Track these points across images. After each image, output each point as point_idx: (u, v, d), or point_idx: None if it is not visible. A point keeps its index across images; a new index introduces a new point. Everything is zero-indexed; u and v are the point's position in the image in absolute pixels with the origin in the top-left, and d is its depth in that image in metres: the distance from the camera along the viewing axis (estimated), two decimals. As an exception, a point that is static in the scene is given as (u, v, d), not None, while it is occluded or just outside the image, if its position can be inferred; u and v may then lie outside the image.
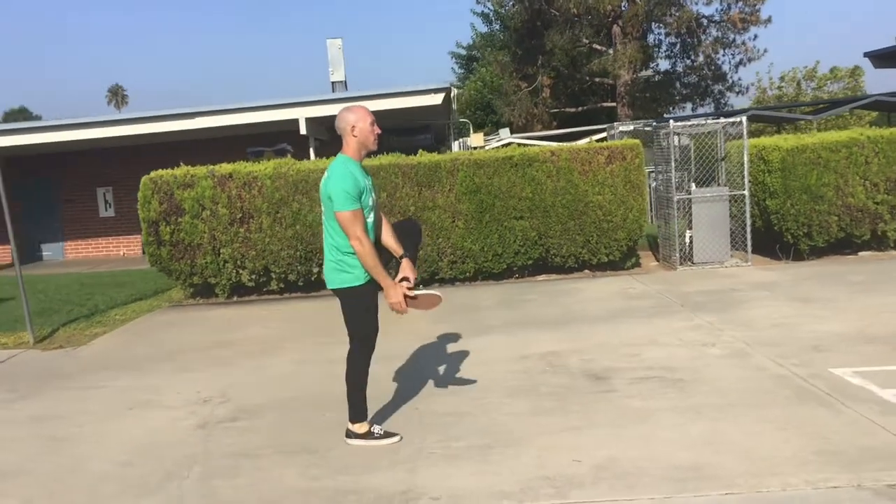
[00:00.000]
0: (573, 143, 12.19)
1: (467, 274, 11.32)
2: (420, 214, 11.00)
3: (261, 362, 7.46)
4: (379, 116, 17.04)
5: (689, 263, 11.67)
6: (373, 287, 4.76)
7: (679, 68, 31.21)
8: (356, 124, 4.73)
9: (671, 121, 11.89)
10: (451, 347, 7.47)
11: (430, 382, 6.24)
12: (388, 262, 4.91)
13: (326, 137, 22.68)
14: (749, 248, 11.60)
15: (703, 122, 11.81)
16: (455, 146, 21.71)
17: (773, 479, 4.09)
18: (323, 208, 4.75)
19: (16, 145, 19.76)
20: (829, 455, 4.36)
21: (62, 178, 21.44)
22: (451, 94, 22.06)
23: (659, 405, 5.40)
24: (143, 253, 13.46)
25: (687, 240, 11.81)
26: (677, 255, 11.67)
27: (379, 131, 4.83)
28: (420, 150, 11.51)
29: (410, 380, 6.35)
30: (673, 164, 11.66)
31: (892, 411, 4.98)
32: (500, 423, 5.19)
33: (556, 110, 31.43)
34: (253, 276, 11.15)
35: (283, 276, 11.20)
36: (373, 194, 4.80)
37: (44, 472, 4.89)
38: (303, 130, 19.76)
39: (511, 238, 11.13)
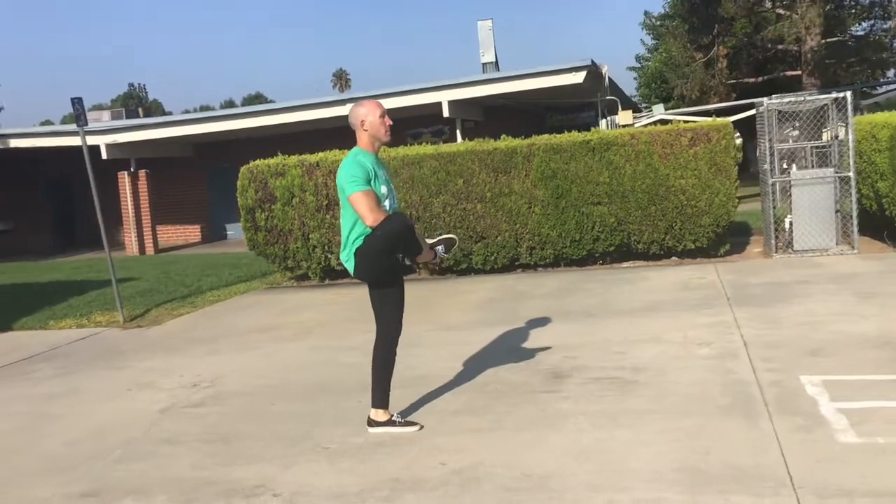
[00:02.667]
0: (695, 121, 11.64)
1: (547, 260, 11.24)
2: (496, 200, 11.05)
3: (280, 347, 7.88)
4: (526, 96, 17.13)
5: (790, 251, 10.96)
6: (399, 278, 5.00)
7: (877, 32, 28.69)
8: (366, 118, 4.88)
9: (765, 98, 11.16)
10: (452, 339, 7.56)
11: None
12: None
13: (480, 118, 22.97)
14: (855, 235, 10.73)
15: (802, 98, 10.99)
16: (602, 124, 21.25)
17: (604, 495, 3.96)
18: (340, 202, 4.95)
19: (202, 132, 21.50)
20: (688, 472, 4.15)
21: (239, 164, 23.12)
22: (603, 71, 21.60)
23: (585, 409, 5.29)
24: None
25: (787, 225, 11.09)
26: (773, 241, 10.99)
27: (390, 123, 4.96)
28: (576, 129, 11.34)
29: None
30: (768, 143, 10.96)
31: (814, 425, 4.62)
32: (417, 420, 5.26)
33: (733, 81, 29.86)
34: (340, 261, 11.63)
35: (369, 261, 11.60)
36: (388, 186, 4.94)
37: (3, 447, 5.52)
38: (446, 113, 20.13)
39: (588, 224, 10.93)
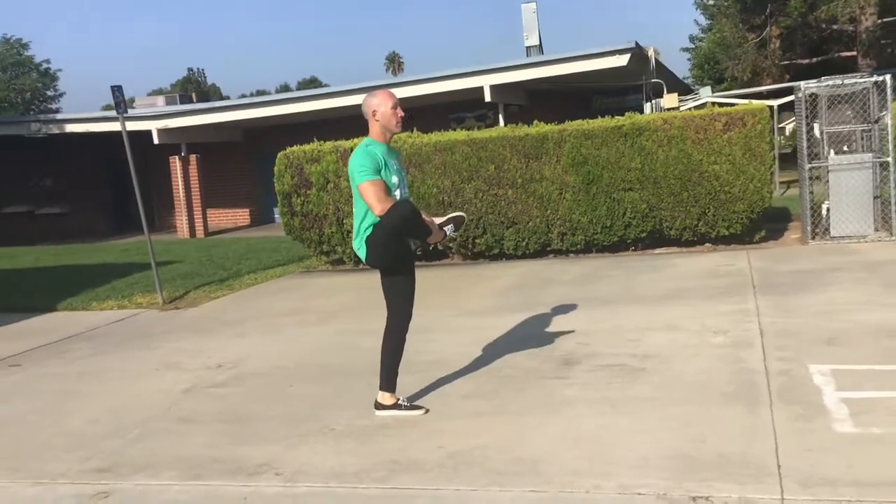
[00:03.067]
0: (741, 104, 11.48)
1: (578, 246, 11.26)
2: (527, 186, 11.09)
3: (304, 330, 8.06)
4: (570, 80, 17.01)
5: (827, 237, 10.83)
6: (409, 264, 5.11)
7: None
8: (377, 108, 4.95)
9: (801, 82, 10.98)
10: (471, 324, 7.65)
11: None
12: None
13: (525, 102, 22.91)
14: (894, 221, 10.55)
15: (841, 81, 10.80)
16: (647, 108, 21.06)
17: (590, 481, 4.04)
18: (352, 191, 5.06)
19: (249, 118, 21.84)
20: (681, 459, 4.20)
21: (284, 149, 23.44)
22: (649, 54, 21.39)
23: (589, 396, 5.35)
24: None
25: (824, 212, 10.94)
26: (809, 228, 10.86)
27: (402, 114, 5.04)
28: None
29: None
30: (804, 128, 10.81)
31: (814, 415, 4.63)
32: (424, 404, 5.37)
33: (786, 62, 29.28)
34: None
35: (403, 246, 11.73)
36: (399, 176, 5.03)
37: (30, 422, 5.79)
38: (487, 98, 20.14)
39: (619, 210, 10.92)
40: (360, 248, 5.07)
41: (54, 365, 7.49)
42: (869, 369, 5.40)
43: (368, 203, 4.83)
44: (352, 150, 11.05)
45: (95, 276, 12.31)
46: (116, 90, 9.98)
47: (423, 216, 5.03)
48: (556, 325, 7.30)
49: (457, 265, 11.48)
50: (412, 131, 12.03)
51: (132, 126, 23.20)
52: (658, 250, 11.18)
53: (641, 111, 20.87)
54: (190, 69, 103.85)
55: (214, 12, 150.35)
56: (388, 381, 5.20)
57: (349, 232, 11.78)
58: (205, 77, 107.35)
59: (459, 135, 11.53)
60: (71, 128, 23.73)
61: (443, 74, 20.25)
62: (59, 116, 24.81)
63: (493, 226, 11.29)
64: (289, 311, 9.06)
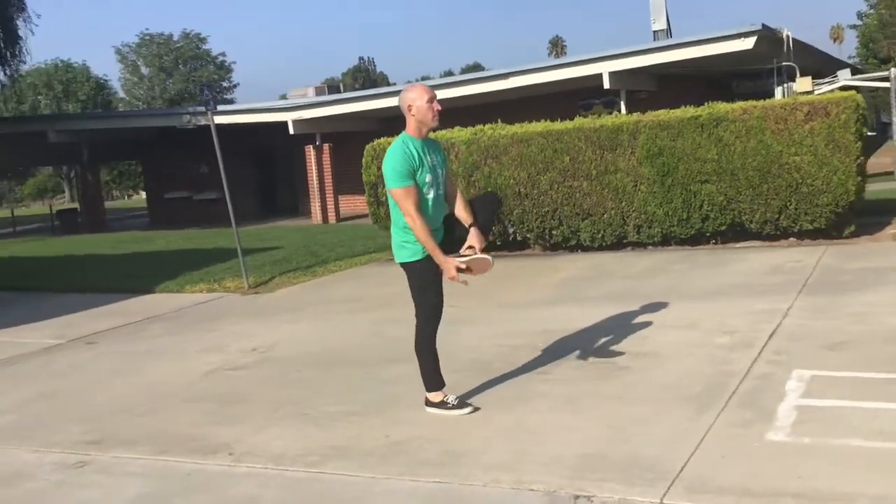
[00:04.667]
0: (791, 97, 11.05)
1: (655, 239, 11.12)
2: (602, 178, 11.04)
3: (350, 318, 8.47)
4: (700, 64, 16.60)
5: (924, 232, 10.21)
6: (432, 262, 5.03)
7: None
8: (413, 103, 4.88)
9: (894, 68, 10.33)
10: (504, 316, 7.81)
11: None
12: (457, 232, 5.16)
13: (653, 88, 22.50)
14: None
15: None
16: (778, 92, 20.20)
17: (490, 475, 4.19)
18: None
19: (377, 108, 22.55)
20: (594, 458, 4.28)
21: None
22: (782, 36, 20.51)
23: (557, 391, 5.45)
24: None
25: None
26: (901, 222, 10.27)
27: (439, 108, 4.97)
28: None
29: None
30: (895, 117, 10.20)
31: (757, 421, 4.57)
32: (393, 395, 5.64)
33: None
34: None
35: (483, 236, 11.94)
36: (436, 171, 4.98)
37: (69, 396, 6.46)
38: (606, 85, 19.94)
39: (696, 203, 10.69)
40: (397, 246, 5.11)
41: (123, 344, 8.23)
42: (852, 376, 5.21)
43: (402, 210, 4.86)
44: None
45: (201, 260, 13.22)
46: (207, 89, 10.68)
47: (436, 253, 4.91)
48: (581, 320, 7.33)
49: (532, 256, 11.59)
50: (496, 122, 12.19)
51: (271, 117, 24.56)
52: (739, 244, 10.86)
53: (773, 95, 20.09)
54: (361, 58, 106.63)
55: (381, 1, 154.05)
56: (429, 380, 5.17)
57: (431, 222, 12.11)
58: (374, 65, 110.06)
59: (536, 126, 11.60)
60: (217, 119, 25.16)
61: (559, 62, 20.24)
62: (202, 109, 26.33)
63: (568, 217, 11.31)
64: (347, 299, 9.49)
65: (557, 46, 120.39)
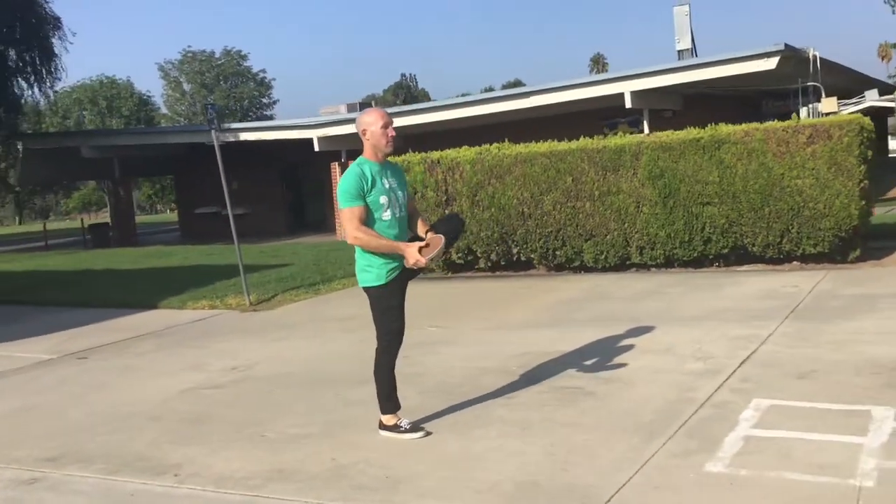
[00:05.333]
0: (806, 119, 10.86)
1: (658, 260, 11.02)
2: (604, 199, 10.99)
3: (338, 336, 8.51)
4: (725, 83, 16.49)
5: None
6: (395, 288, 5.05)
7: None
8: (367, 128, 4.96)
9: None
10: (488, 339, 7.79)
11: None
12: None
13: (678, 107, 22.35)
14: None
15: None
16: (803, 112, 19.95)
17: (420, 501, 4.18)
18: None
19: (410, 125, 22.61)
20: (523, 486, 4.25)
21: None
22: (809, 55, 20.27)
23: (513, 417, 5.43)
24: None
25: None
26: (907, 247, 10.07)
27: (392, 134, 5.05)
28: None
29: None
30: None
31: (700, 451, 4.50)
32: (353, 417, 5.63)
33: None
34: (460, 255, 12.09)
35: (487, 255, 11.95)
36: (394, 193, 5.11)
37: (45, 412, 6.57)
38: (628, 104, 19.86)
39: (698, 225, 10.59)
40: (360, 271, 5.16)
41: (111, 360, 8.34)
42: (811, 407, 5.13)
43: (345, 229, 4.96)
44: (438, 161, 11.49)
45: (211, 276, 13.36)
46: (211, 107, 10.87)
47: (391, 242, 4.95)
48: (562, 343, 7.29)
49: (534, 276, 11.55)
50: (504, 141, 12.18)
51: (296, 134, 24.82)
52: (742, 267, 10.73)
53: (797, 116, 19.83)
54: (403, 75, 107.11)
55: (427, 17, 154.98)
56: (384, 404, 5.17)
57: (435, 241, 12.11)
58: (416, 82, 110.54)
59: (540, 146, 11.58)
60: (244, 136, 25.58)
61: (579, 82, 20.16)
62: (234, 125, 26.79)
63: (571, 238, 11.26)
64: (341, 318, 9.52)
65: (599, 63, 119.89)
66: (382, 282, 5.06)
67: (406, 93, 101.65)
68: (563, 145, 11.42)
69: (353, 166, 5.01)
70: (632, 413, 5.27)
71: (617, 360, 6.59)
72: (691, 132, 10.77)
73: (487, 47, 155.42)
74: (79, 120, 69.63)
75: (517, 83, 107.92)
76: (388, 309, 5.11)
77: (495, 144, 12.15)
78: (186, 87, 74.43)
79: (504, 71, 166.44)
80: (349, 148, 24.09)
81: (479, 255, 12.01)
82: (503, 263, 12.04)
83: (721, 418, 5.03)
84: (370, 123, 4.98)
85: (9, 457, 5.46)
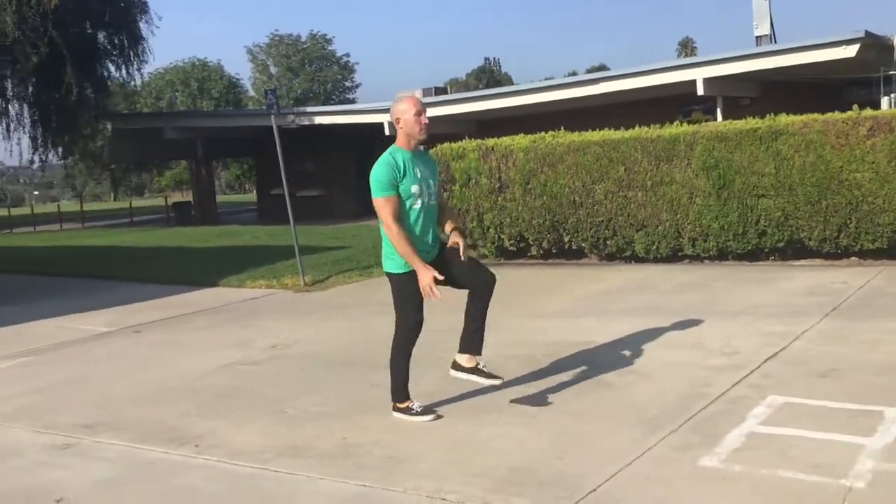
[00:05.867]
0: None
1: (711, 252, 10.90)
2: (657, 189, 10.91)
3: (378, 320, 8.62)
4: (798, 71, 16.15)
5: None
6: (415, 279, 5.02)
7: None
8: (401, 116, 4.98)
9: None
10: (522, 326, 7.88)
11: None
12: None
13: (755, 94, 21.88)
14: None
15: None
16: (884, 103, 19.30)
17: (420, 482, 4.32)
18: None
19: (482, 110, 22.71)
20: (520, 473, 4.34)
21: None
22: (892, 43, 19.60)
23: (525, 406, 5.50)
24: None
25: None
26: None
27: (426, 122, 5.07)
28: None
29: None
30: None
31: (700, 446, 4.52)
32: (373, 398, 5.78)
33: None
34: (512, 242, 12.16)
35: (539, 243, 12.00)
36: (426, 182, 5.06)
37: (95, 382, 6.93)
38: (700, 91, 19.55)
39: (752, 217, 10.43)
40: (386, 257, 5.26)
41: (164, 334, 8.72)
42: (824, 406, 5.07)
43: (381, 218, 4.99)
44: (492, 148, 11.59)
45: (272, 257, 13.74)
46: (271, 93, 11.17)
47: (417, 264, 4.98)
48: (595, 333, 7.32)
49: (584, 265, 11.55)
50: (561, 129, 12.16)
51: (368, 119, 25.16)
52: (798, 262, 10.52)
53: (879, 105, 19.19)
54: (486, 59, 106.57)
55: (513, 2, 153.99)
56: (396, 393, 5.28)
57: (489, 227, 12.24)
58: (499, 66, 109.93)
59: (594, 135, 11.54)
60: (319, 119, 26.04)
61: (650, 68, 19.89)
62: (308, 109, 27.34)
63: (622, 228, 11.22)
64: (385, 302, 9.50)
65: (687, 48, 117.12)
66: (403, 270, 5.14)
67: (489, 77, 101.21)
68: (617, 134, 11.36)
69: (384, 155, 5.02)
70: (642, 406, 5.30)
71: (642, 352, 6.60)
72: (749, 122, 10.59)
73: (574, 32, 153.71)
74: (171, 101, 71.63)
75: (602, 67, 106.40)
76: (409, 297, 5.17)
77: (551, 132, 12.16)
78: (273, 70, 75.76)
79: (589, 55, 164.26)
80: (421, 132, 24.27)
81: (532, 243, 12.06)
82: (554, 252, 12.06)
83: (730, 414, 5.02)
84: (404, 111, 5.01)
85: (50, 423, 5.80)
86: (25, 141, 28.24)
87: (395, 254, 5.14)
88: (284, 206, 30.62)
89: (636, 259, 11.41)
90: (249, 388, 6.36)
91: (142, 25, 28.50)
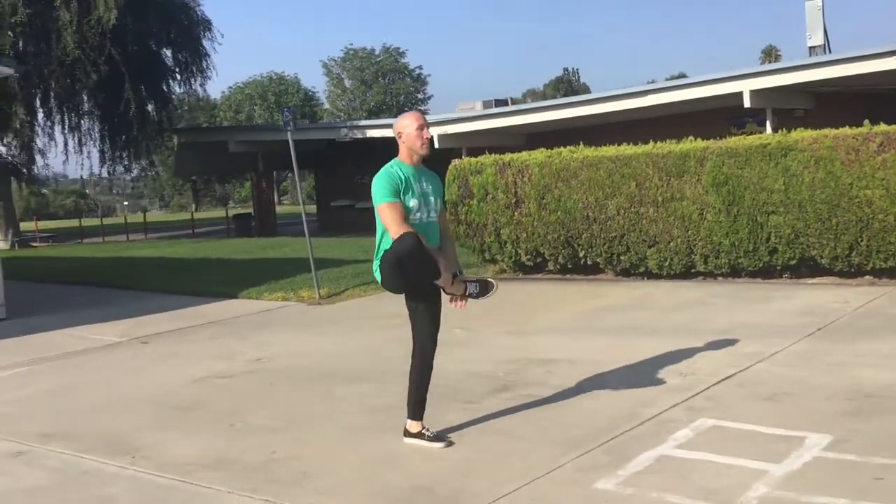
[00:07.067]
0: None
1: (723, 270, 10.72)
2: (668, 205, 10.79)
3: (371, 333, 8.86)
4: (851, 82, 15.82)
5: None
6: (423, 290, 5.00)
7: None
8: (403, 130, 4.97)
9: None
10: (505, 343, 7.92)
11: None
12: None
13: (809, 106, 21.38)
14: None
15: None
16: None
17: (312, 498, 4.43)
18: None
19: (532, 122, 22.72)
20: (420, 490, 4.42)
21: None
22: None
23: (460, 422, 5.55)
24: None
25: None
26: None
27: (427, 136, 5.08)
28: None
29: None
30: None
31: (605, 467, 4.53)
32: (321, 414, 5.94)
33: None
34: (529, 257, 12.18)
35: (555, 258, 11.98)
36: (427, 198, 5.01)
37: (77, 394, 7.23)
38: (747, 103, 19.21)
39: (762, 234, 10.23)
40: (375, 271, 5.14)
41: (166, 346, 9.02)
42: (751, 430, 5.01)
43: (385, 225, 4.88)
44: (509, 163, 11.66)
45: (300, 268, 13.96)
46: (288, 111, 11.47)
47: (439, 258, 4.88)
48: (563, 350, 7.33)
49: (600, 281, 11.49)
50: (580, 144, 12.13)
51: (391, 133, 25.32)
52: (812, 280, 10.27)
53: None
54: (565, 69, 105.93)
55: (592, 10, 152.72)
56: (413, 409, 5.17)
57: (505, 242, 12.28)
58: (578, 76, 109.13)
59: (607, 150, 11.49)
60: (371, 133, 26.40)
61: (696, 80, 19.66)
62: (361, 123, 27.75)
63: (635, 244, 11.12)
64: (390, 315, 9.74)
65: (771, 56, 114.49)
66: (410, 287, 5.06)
67: (567, 87, 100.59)
68: (630, 149, 11.28)
69: (384, 168, 4.99)
70: (572, 425, 5.31)
71: (601, 370, 6.57)
72: (759, 138, 10.43)
73: (656, 40, 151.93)
74: (249, 114, 73.42)
75: (681, 76, 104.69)
76: (424, 313, 5.12)
77: (569, 147, 12.14)
78: (347, 83, 76.97)
79: (670, 63, 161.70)
80: (470, 146, 24.37)
81: (548, 258, 12.04)
82: (570, 267, 12.01)
83: (652, 436, 4.99)
84: (405, 126, 5.01)
85: (16, 431, 6.09)
86: (95, 154, 29.34)
87: (395, 272, 4.91)
88: (343, 217, 31.09)
89: (650, 275, 11.30)
90: (210, 402, 6.56)
91: (205, 43, 29.41)
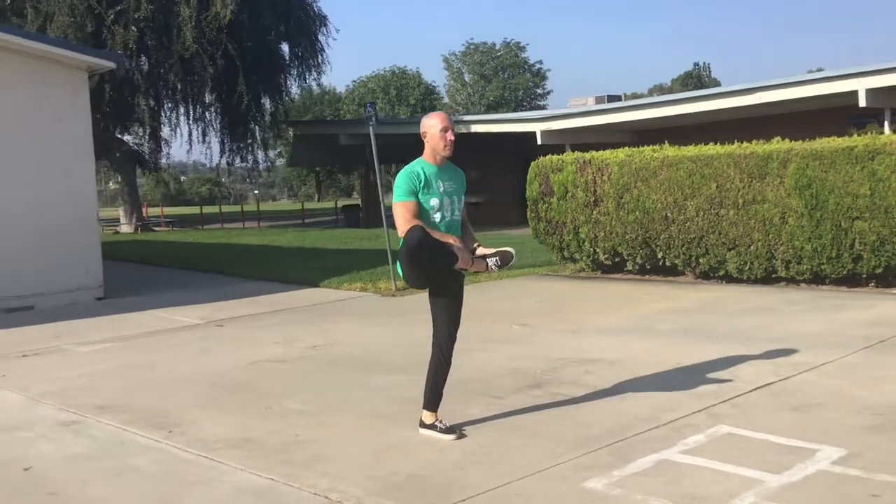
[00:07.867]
0: None
1: (805, 276, 10.39)
2: (748, 208, 10.52)
3: (422, 328, 8.92)
4: None
5: None
6: (444, 284, 5.16)
7: None
8: (428, 130, 5.07)
9: None
10: (553, 340, 7.93)
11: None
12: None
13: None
14: None
15: None
16: None
17: (314, 480, 4.62)
18: None
19: (640, 119, 22.47)
20: (414, 479, 4.55)
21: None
22: None
23: (481, 416, 5.64)
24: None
25: None
26: None
27: (452, 138, 5.17)
28: None
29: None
30: None
31: (605, 468, 4.54)
32: (354, 400, 6.13)
33: None
34: (607, 256, 12.09)
35: (633, 258, 11.86)
36: (449, 197, 5.10)
37: (146, 370, 7.67)
38: (862, 103, 18.45)
39: (847, 241, 9.86)
40: (398, 268, 5.23)
41: (239, 329, 9.43)
42: (764, 440, 4.91)
43: (396, 223, 5.06)
44: (589, 161, 11.64)
45: (383, 260, 14.28)
46: (370, 106, 11.74)
47: (452, 242, 4.97)
48: (610, 351, 7.30)
49: (678, 283, 11.32)
50: (664, 143, 11.97)
51: (521, 128, 25.40)
52: (897, 289, 9.85)
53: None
54: (695, 64, 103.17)
55: (728, 5, 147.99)
56: (429, 400, 5.24)
57: (584, 240, 12.23)
58: (709, 71, 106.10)
59: (688, 150, 11.28)
60: (475, 128, 26.54)
61: (807, 78, 18.95)
62: (466, 118, 27.86)
63: (714, 246, 10.89)
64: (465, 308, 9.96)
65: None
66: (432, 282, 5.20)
67: (696, 82, 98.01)
68: (711, 149, 11.05)
69: (407, 166, 5.13)
70: (588, 424, 5.32)
71: (639, 373, 6.53)
72: (846, 140, 10.02)
73: (793, 34, 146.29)
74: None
75: (821, 70, 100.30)
76: (445, 306, 5.28)
77: (650, 146, 11.98)
78: (467, 77, 77.37)
79: (807, 59, 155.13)
80: (573, 142, 24.18)
81: (626, 258, 11.92)
82: (649, 267, 11.86)
83: (663, 439, 4.95)
84: (430, 126, 5.11)
85: (77, 402, 6.53)
86: (216, 145, 30.62)
87: (413, 270, 5.04)
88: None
89: (730, 279, 11.04)
90: (256, 385, 6.85)
91: (320, 38, 30.21)
